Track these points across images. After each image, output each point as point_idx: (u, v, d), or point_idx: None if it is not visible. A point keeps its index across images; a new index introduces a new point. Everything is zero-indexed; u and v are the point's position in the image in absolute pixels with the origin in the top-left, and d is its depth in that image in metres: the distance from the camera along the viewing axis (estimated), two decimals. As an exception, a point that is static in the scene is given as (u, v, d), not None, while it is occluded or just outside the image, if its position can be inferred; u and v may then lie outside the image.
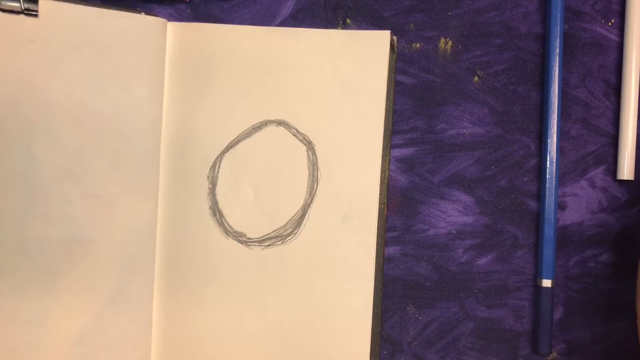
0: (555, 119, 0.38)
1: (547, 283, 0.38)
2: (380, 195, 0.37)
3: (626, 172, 0.39)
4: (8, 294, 0.35)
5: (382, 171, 0.37)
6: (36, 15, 0.35)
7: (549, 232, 0.38)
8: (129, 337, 0.36)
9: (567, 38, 0.39)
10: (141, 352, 0.36)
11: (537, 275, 0.39)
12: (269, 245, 0.37)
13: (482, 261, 0.39)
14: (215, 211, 0.37)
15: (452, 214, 0.39)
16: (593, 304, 0.40)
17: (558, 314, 0.40)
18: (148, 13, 0.36)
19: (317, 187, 0.37)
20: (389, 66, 0.37)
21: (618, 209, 0.40)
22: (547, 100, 0.38)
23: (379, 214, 0.37)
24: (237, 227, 0.37)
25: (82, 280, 0.35)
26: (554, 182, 0.38)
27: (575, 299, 0.40)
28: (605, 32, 0.40)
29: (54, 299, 0.35)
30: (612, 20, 0.40)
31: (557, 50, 0.38)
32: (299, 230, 0.37)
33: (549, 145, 0.38)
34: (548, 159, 0.38)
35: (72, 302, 0.35)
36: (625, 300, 0.40)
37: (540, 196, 0.39)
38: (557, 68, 0.38)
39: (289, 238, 0.37)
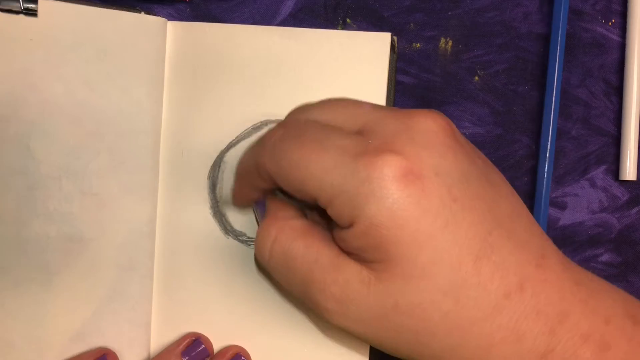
0: (552, 116, 0.38)
1: None
2: (380, 195, 0.37)
3: (629, 172, 0.39)
4: (7, 291, 0.35)
5: (383, 171, 0.37)
6: (35, 15, 0.34)
7: (537, 219, 0.38)
8: (128, 336, 0.36)
9: (567, 38, 0.39)
10: (140, 351, 0.36)
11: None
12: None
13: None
14: (216, 210, 0.37)
15: (452, 214, 0.39)
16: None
17: (558, 314, 0.39)
18: (148, 12, 0.36)
19: (317, 187, 0.37)
20: (389, 66, 0.37)
21: (619, 209, 0.40)
22: (547, 98, 0.38)
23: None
24: (237, 226, 0.37)
25: (80, 278, 0.35)
26: (545, 167, 0.38)
27: (576, 299, 0.40)
28: (605, 32, 0.40)
29: (52, 296, 0.35)
30: (613, 20, 0.40)
31: (558, 50, 0.38)
32: (299, 230, 0.37)
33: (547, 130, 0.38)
34: (547, 149, 0.38)
35: (70, 300, 0.35)
36: (626, 300, 0.40)
37: (534, 184, 0.39)
38: (557, 65, 0.38)
39: (289, 238, 0.37)
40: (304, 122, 0.29)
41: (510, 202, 0.29)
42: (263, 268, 0.35)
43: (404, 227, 0.26)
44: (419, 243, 0.26)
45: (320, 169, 0.27)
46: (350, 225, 0.27)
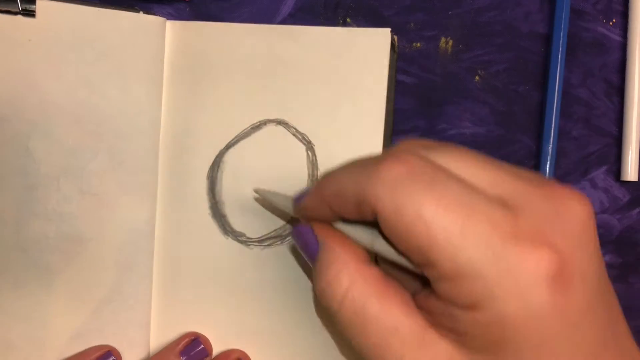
0: (554, 117, 0.38)
1: None
2: (380, 195, 0.37)
3: (630, 173, 0.39)
4: (6, 291, 0.35)
5: (383, 171, 0.37)
6: (34, 16, 0.34)
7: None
8: (128, 336, 0.36)
9: (568, 38, 0.39)
10: (140, 351, 0.36)
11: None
12: (268, 245, 0.37)
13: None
14: (215, 211, 0.37)
15: (452, 214, 0.39)
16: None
17: (559, 315, 0.39)
18: (147, 12, 0.36)
19: (317, 187, 0.37)
20: (390, 65, 0.37)
21: (620, 210, 0.40)
22: (548, 98, 0.38)
23: (379, 214, 0.36)
24: (236, 226, 0.37)
25: (80, 278, 0.36)
26: (547, 167, 0.38)
27: (576, 300, 0.40)
28: (606, 32, 0.40)
29: (52, 296, 0.35)
30: (614, 20, 0.40)
31: (560, 50, 0.38)
32: (299, 230, 0.37)
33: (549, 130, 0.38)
34: (549, 150, 0.38)
35: (69, 300, 0.35)
36: (626, 301, 0.40)
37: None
38: (559, 68, 0.38)
39: (289, 238, 0.37)
40: (432, 166, 0.24)
41: (621, 319, 0.26)
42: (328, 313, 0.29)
43: (534, 335, 0.23)
44: (542, 354, 0.23)
45: (459, 237, 0.23)
46: (469, 308, 0.23)
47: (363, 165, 0.26)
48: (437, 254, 0.23)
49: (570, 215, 0.24)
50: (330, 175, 0.27)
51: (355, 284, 0.26)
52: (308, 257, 0.30)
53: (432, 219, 0.23)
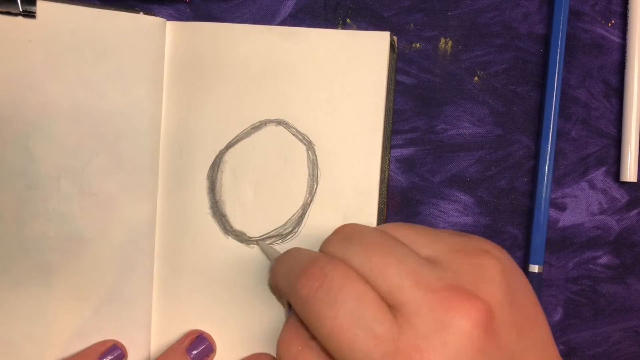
0: (553, 118, 0.38)
1: (534, 268, 0.38)
2: (380, 195, 0.37)
3: (629, 174, 0.39)
4: (6, 290, 0.35)
5: (382, 171, 0.37)
6: (34, 17, 0.34)
7: (538, 218, 0.38)
8: (128, 335, 0.36)
9: (567, 38, 0.39)
10: (140, 351, 0.36)
11: (526, 261, 0.39)
12: (269, 244, 0.37)
13: (482, 262, 0.39)
14: (215, 210, 0.37)
15: (452, 214, 0.39)
16: (592, 305, 0.40)
17: (557, 315, 0.40)
18: (147, 13, 0.36)
19: (317, 187, 0.37)
20: (389, 66, 0.37)
21: (618, 211, 0.40)
22: (547, 99, 0.38)
23: (378, 214, 0.37)
24: (237, 226, 0.37)
25: (80, 278, 0.36)
26: (546, 168, 0.38)
27: (574, 300, 0.40)
28: (605, 33, 0.40)
29: (52, 296, 0.35)
30: (612, 21, 0.40)
31: (559, 51, 0.38)
32: (299, 229, 0.37)
33: (547, 132, 0.38)
34: (548, 150, 0.38)
35: (70, 299, 0.35)
36: (624, 302, 0.40)
37: (533, 184, 0.39)
38: (558, 69, 0.38)
39: (289, 237, 0.37)
40: (341, 277, 0.28)
41: None
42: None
43: None
44: None
45: (348, 350, 0.26)
46: None
47: (289, 272, 0.30)
48: (336, 356, 0.27)
49: (454, 328, 0.26)
50: (274, 268, 0.33)
51: (301, 355, 0.30)
52: (285, 313, 0.36)
53: (329, 334, 0.27)
